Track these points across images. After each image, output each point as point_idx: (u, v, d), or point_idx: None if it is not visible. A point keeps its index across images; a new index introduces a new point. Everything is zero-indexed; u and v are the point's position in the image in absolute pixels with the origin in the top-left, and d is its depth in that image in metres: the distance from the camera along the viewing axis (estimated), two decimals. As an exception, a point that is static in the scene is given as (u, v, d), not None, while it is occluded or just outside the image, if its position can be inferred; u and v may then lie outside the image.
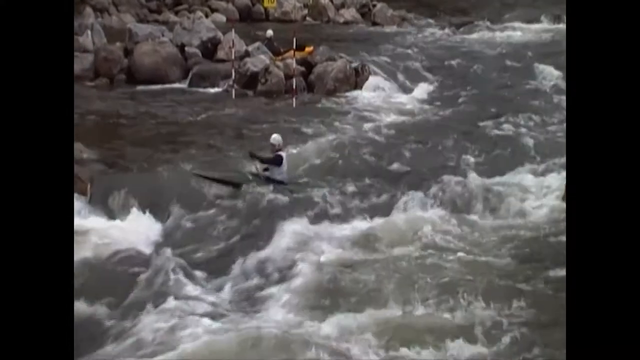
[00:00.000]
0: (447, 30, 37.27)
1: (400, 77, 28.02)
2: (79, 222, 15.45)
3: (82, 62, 28.20)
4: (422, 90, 26.82)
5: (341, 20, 38.41)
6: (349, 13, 38.99)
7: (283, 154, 17.42)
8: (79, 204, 16.71)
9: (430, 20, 39.28)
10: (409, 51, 31.78)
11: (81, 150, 19.31)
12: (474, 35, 36.11)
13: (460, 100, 25.76)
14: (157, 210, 16.86)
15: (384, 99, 26.00)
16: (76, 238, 13.13)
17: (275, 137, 17.53)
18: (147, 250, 15.23)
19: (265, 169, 17.40)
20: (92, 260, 14.46)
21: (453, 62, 30.57)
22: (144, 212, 16.77)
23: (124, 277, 13.98)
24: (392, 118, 24.04)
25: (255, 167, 17.60)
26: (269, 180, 17.26)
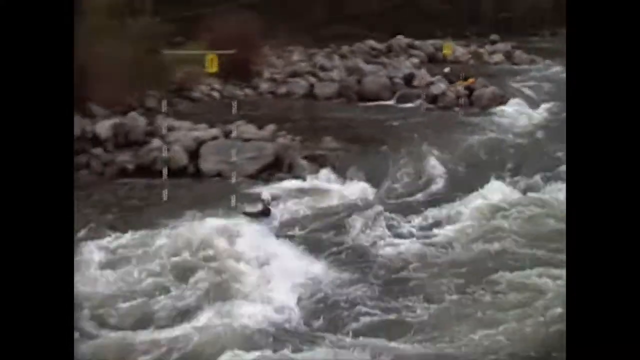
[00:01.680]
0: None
1: (530, 98, 29.86)
2: (326, 185, 18.24)
3: (329, 88, 31.08)
4: (544, 107, 28.46)
5: (492, 61, 39.63)
6: (498, 57, 40.44)
7: (271, 208, 15.43)
8: (326, 173, 19.02)
9: (551, 62, 39.23)
10: (537, 82, 32.73)
11: (329, 142, 21.70)
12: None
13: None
14: (373, 180, 18.52)
15: (519, 111, 27.71)
16: (323, 194, 17.32)
17: (265, 194, 15.61)
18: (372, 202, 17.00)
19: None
20: (331, 208, 16.56)
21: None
22: (365, 181, 18.40)
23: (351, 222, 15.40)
24: (523, 123, 26.02)
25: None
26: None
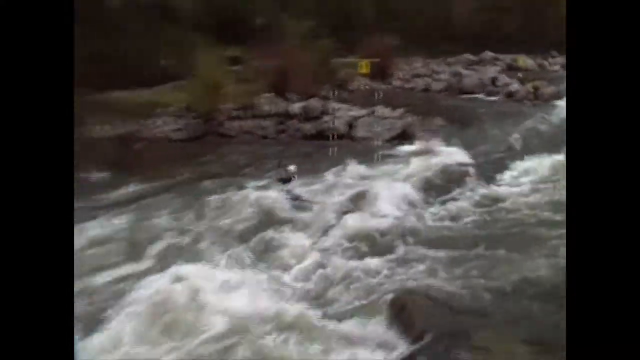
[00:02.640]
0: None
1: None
2: (436, 149, 16.73)
3: (439, 85, 29.52)
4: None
5: (552, 70, 35.38)
6: (556, 67, 36.50)
7: (294, 177, 13.03)
8: (436, 141, 17.40)
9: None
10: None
11: (439, 120, 20.73)
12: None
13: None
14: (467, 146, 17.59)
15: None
16: (434, 155, 15.88)
17: (291, 168, 13.26)
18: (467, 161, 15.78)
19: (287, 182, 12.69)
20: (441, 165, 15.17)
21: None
22: (461, 147, 17.22)
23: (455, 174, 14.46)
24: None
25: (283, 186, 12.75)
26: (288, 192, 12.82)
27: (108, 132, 18.82)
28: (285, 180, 12.91)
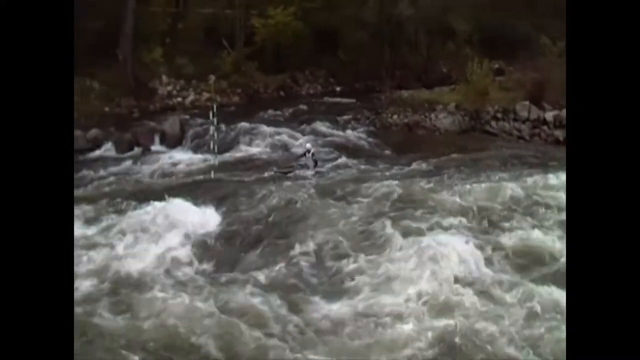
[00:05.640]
0: None
1: None
2: None
3: None
4: None
5: None
6: None
7: (308, 153, 15.35)
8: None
9: None
10: None
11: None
12: None
13: None
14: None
15: None
16: None
17: (308, 145, 15.94)
18: None
19: (300, 162, 15.61)
20: None
21: None
22: None
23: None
24: None
25: (298, 163, 15.45)
26: (303, 166, 15.38)
27: (400, 120, 23.05)
28: (304, 155, 15.51)
